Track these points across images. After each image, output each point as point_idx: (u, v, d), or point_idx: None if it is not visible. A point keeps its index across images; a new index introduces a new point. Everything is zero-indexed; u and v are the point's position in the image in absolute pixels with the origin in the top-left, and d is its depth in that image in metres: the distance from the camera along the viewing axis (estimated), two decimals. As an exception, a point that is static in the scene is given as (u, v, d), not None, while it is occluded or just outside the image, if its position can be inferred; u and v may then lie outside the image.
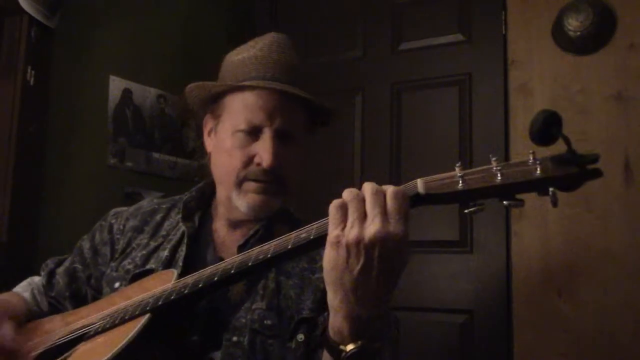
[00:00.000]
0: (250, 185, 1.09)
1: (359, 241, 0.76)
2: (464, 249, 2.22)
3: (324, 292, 1.05)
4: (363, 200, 0.78)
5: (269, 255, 0.87)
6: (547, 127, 0.68)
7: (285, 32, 2.88)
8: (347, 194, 0.79)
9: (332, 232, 0.78)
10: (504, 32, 2.23)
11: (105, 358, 0.91)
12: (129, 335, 0.92)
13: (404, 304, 2.28)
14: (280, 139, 1.10)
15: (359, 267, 0.76)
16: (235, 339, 1.01)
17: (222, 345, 1.02)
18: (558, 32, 2.10)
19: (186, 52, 2.44)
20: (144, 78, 2.27)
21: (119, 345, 0.91)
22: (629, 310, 1.91)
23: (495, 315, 2.12)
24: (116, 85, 2.18)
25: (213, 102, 1.17)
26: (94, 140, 2.09)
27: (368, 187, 0.78)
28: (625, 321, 1.91)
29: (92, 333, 1.04)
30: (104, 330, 1.02)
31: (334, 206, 0.79)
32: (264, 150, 1.08)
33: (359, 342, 0.79)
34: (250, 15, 2.76)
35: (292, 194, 0.97)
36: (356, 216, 0.77)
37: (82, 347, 1.03)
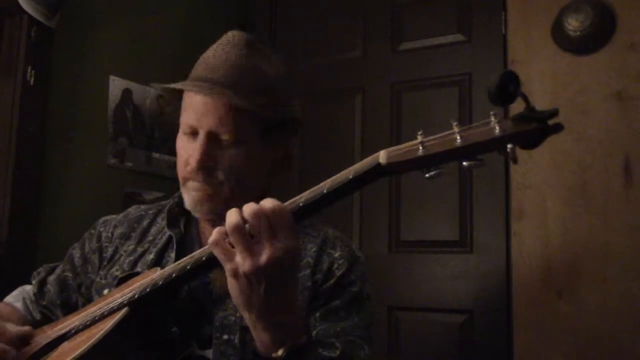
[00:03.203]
0: (191, 184, 1.11)
1: (256, 269, 0.78)
2: (464, 249, 2.22)
3: (310, 291, 1.05)
4: (243, 228, 0.79)
5: None
6: (504, 86, 0.67)
7: (285, 32, 2.87)
8: (229, 226, 0.79)
9: (227, 266, 0.80)
10: (504, 32, 2.23)
11: (80, 351, 0.92)
12: (105, 329, 0.93)
13: (404, 304, 2.28)
14: (216, 140, 1.08)
15: (262, 288, 0.79)
16: (226, 337, 1.02)
17: (213, 343, 1.02)
18: (558, 32, 2.10)
19: (186, 52, 2.43)
20: (144, 78, 2.27)
21: (94, 339, 0.92)
22: (629, 310, 1.91)
23: (495, 315, 2.13)
24: (116, 85, 2.18)
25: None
26: (94, 140, 2.09)
27: (247, 210, 0.79)
28: (625, 321, 1.91)
29: (73, 332, 1.05)
30: (84, 328, 1.03)
31: (213, 244, 0.81)
32: (193, 150, 1.09)
33: (286, 343, 0.82)
34: (251, 15, 2.76)
35: (250, 196, 0.95)
36: (243, 247, 0.78)
37: (63, 346, 1.04)
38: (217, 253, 0.81)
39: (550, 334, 2.01)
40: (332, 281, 1.07)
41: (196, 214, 1.13)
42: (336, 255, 1.11)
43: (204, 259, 0.89)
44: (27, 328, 1.13)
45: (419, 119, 2.35)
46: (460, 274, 2.20)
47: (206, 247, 0.90)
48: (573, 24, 2.05)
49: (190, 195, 1.11)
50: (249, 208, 0.79)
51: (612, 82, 2.02)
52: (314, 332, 1.02)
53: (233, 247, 0.80)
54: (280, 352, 0.82)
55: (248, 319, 0.83)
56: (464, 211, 2.23)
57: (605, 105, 2.02)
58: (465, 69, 2.30)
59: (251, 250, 0.78)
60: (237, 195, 1.08)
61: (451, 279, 2.21)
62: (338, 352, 0.98)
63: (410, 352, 2.24)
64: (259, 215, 0.78)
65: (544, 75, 2.12)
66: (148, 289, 0.96)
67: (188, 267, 0.91)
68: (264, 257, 0.77)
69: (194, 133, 1.10)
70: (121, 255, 1.19)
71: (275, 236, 0.78)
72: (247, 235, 0.79)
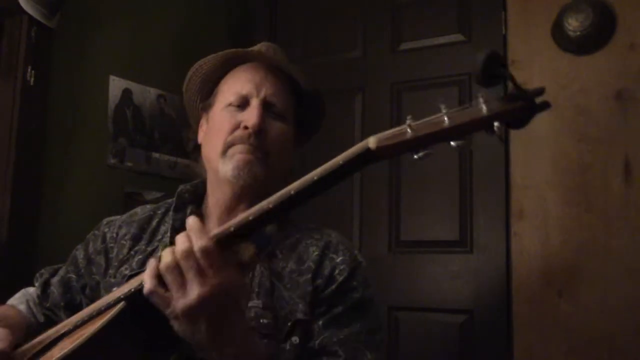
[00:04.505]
0: (236, 148, 1.12)
1: (189, 309, 0.80)
2: (464, 249, 2.22)
3: (312, 295, 1.05)
4: (176, 268, 0.81)
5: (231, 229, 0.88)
6: (490, 66, 0.69)
7: (285, 32, 2.88)
8: (162, 267, 0.82)
9: (166, 311, 0.83)
10: (504, 32, 2.23)
11: (75, 344, 0.92)
12: (100, 323, 0.94)
13: (404, 304, 2.28)
14: (268, 111, 1.15)
15: (204, 326, 0.82)
16: None
17: None
18: (558, 32, 2.10)
19: (186, 52, 2.44)
20: (144, 78, 2.27)
21: (89, 332, 0.93)
22: (629, 310, 1.91)
23: (495, 315, 2.12)
24: (116, 85, 2.18)
25: (208, 95, 1.23)
26: (94, 140, 2.09)
27: (178, 250, 0.81)
28: (625, 321, 1.91)
29: (72, 328, 1.05)
30: (83, 323, 1.03)
31: (148, 293, 0.83)
32: (250, 113, 1.13)
33: None
34: (251, 15, 2.76)
35: (276, 173, 1.00)
36: (175, 288, 0.81)
37: (62, 342, 1.04)
38: (155, 300, 0.83)
39: (550, 334, 2.01)
40: (333, 287, 1.07)
41: (237, 181, 1.12)
42: (338, 260, 1.11)
43: None
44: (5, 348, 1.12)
45: (419, 119, 2.34)
46: (460, 274, 2.20)
47: None
48: (573, 24, 2.05)
49: (234, 159, 1.12)
50: (179, 247, 0.81)
51: (612, 82, 2.02)
52: (319, 339, 1.03)
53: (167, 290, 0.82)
54: None
55: (204, 355, 0.86)
56: (464, 211, 2.23)
57: (605, 105, 2.02)
58: (465, 69, 2.30)
59: (184, 290, 0.80)
60: (273, 170, 1.12)
61: (451, 279, 2.21)
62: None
63: (410, 352, 2.24)
64: (188, 255, 0.80)
65: (544, 75, 2.12)
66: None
67: None
68: (193, 296, 0.79)
69: (242, 104, 1.15)
70: (131, 255, 1.19)
71: (204, 275, 0.80)
72: (180, 276, 0.81)
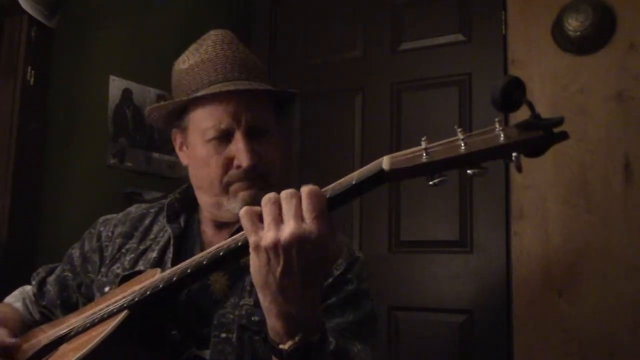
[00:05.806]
0: (237, 186, 1.10)
1: (275, 244, 0.76)
2: (464, 249, 2.22)
3: None
4: (277, 203, 0.78)
5: (239, 244, 0.87)
6: (509, 92, 0.67)
7: (285, 32, 2.87)
8: (264, 199, 0.80)
9: (251, 238, 0.79)
10: (504, 32, 2.23)
11: (80, 354, 0.91)
12: (105, 332, 0.93)
13: (404, 304, 2.28)
14: (253, 136, 1.10)
15: (280, 268, 0.77)
16: (224, 335, 1.02)
17: (211, 341, 1.02)
18: (558, 32, 2.10)
19: (186, 52, 2.44)
20: (144, 78, 2.27)
21: (94, 342, 0.92)
22: (629, 310, 1.91)
23: (495, 315, 2.13)
24: (116, 85, 2.18)
25: (177, 118, 1.17)
26: (94, 140, 2.09)
27: (284, 191, 0.79)
28: (625, 321, 1.92)
29: (73, 334, 1.05)
30: (84, 329, 1.03)
31: (244, 214, 0.80)
32: (239, 152, 1.08)
33: (296, 338, 0.80)
34: (251, 15, 2.76)
35: (277, 186, 0.98)
36: (270, 220, 0.78)
37: (63, 348, 1.04)
38: (245, 223, 0.79)
39: (550, 334, 2.01)
40: (329, 281, 1.07)
41: None
42: None
43: (204, 262, 0.89)
44: (14, 341, 1.12)
45: (419, 119, 2.35)
46: (460, 274, 2.20)
47: (208, 250, 0.91)
48: (573, 24, 2.05)
49: (240, 197, 1.09)
50: (287, 190, 0.79)
51: (612, 82, 2.02)
52: None
53: (261, 222, 0.79)
54: (287, 346, 0.80)
55: (263, 301, 0.82)
56: (464, 211, 2.23)
57: (605, 105, 2.02)
58: (465, 69, 2.30)
59: (277, 223, 0.77)
60: (274, 185, 1.09)
61: (451, 279, 2.21)
62: (332, 346, 0.98)
63: (410, 352, 2.24)
64: (294, 195, 0.78)
65: (544, 75, 2.12)
66: (148, 292, 0.96)
67: (189, 270, 0.91)
68: (285, 232, 0.76)
69: (225, 136, 1.10)
70: (123, 253, 1.20)
71: (302, 217, 0.77)
72: (279, 210, 0.78)
